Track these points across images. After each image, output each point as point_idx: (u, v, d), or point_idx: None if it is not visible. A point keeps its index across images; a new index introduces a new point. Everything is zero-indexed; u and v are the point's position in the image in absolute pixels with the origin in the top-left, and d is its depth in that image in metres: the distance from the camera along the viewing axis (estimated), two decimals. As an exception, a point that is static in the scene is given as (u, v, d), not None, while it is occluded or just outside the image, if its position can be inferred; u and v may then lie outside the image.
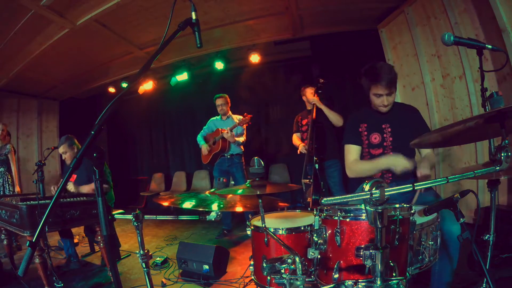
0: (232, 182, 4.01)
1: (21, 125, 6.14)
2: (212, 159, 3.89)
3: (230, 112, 3.93)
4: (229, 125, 3.75)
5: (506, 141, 1.06)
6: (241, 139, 3.79)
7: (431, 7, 3.27)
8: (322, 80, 3.28)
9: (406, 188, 0.92)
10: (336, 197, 0.98)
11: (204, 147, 3.90)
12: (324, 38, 4.60)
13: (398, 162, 1.68)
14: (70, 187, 2.92)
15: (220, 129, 3.79)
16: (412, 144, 1.43)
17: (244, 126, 3.77)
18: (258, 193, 1.38)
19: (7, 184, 3.93)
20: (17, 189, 3.97)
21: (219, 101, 3.84)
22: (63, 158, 3.16)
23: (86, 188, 2.90)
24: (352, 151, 1.92)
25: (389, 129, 1.85)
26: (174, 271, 2.73)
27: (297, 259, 1.05)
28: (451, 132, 1.17)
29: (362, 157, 1.93)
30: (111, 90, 6.05)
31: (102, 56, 4.92)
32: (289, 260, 1.05)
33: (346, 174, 1.99)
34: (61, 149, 3.05)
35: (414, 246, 1.21)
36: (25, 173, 5.75)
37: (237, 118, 3.85)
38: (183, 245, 2.72)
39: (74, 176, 2.99)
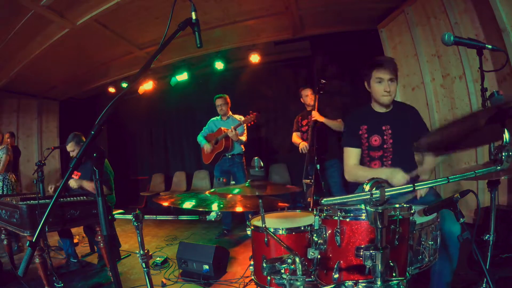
0: (233, 182, 4.01)
1: (21, 125, 6.14)
2: (214, 159, 3.87)
3: (230, 112, 3.93)
4: (230, 125, 3.74)
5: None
6: (243, 138, 3.79)
7: (431, 7, 3.27)
8: (323, 81, 3.28)
9: (406, 188, 0.92)
10: (336, 197, 0.98)
11: (207, 146, 3.87)
12: (324, 38, 4.60)
13: (396, 175, 1.63)
14: (72, 184, 2.91)
15: (222, 128, 3.78)
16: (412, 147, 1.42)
17: (248, 124, 3.72)
18: (257, 193, 1.38)
19: (6, 186, 3.94)
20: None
21: (219, 101, 3.84)
22: (71, 155, 3.19)
23: (87, 184, 2.91)
24: (352, 155, 1.88)
25: (390, 131, 1.82)
26: (174, 271, 2.72)
27: (297, 259, 1.05)
28: (451, 132, 1.17)
29: (362, 158, 1.90)
30: (111, 90, 6.05)
31: (102, 56, 4.92)
32: (289, 260, 1.04)
33: None
34: (69, 147, 3.08)
35: (414, 246, 1.21)
36: (25, 173, 5.75)
37: (238, 118, 3.85)
38: (183, 245, 2.72)
39: (79, 174, 2.99)
